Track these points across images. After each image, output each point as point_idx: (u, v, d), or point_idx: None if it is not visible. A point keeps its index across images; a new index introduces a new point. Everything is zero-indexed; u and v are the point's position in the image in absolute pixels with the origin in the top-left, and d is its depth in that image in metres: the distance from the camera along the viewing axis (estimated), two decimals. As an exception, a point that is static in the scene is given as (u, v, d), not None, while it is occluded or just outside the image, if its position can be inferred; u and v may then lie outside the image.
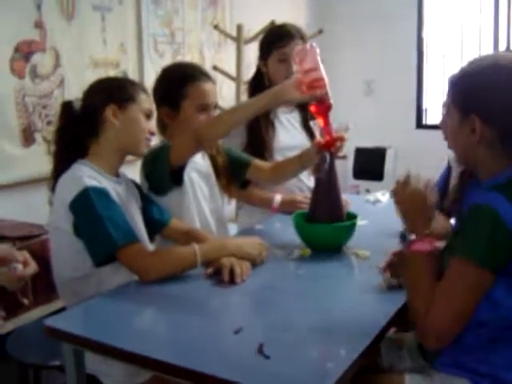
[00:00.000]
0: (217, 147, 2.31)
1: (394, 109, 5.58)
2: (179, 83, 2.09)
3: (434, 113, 6.03)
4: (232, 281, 1.72)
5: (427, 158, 5.48)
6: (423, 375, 1.54)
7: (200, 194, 2.20)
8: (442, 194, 2.34)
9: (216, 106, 2.19)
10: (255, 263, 1.83)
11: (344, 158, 2.20)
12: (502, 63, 1.42)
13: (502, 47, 5.19)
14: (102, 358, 1.57)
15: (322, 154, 2.02)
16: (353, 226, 2.02)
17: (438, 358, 1.51)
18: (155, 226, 2.05)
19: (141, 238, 1.89)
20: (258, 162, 2.39)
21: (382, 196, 2.82)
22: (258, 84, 2.53)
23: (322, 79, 1.85)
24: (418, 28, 5.50)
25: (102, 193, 1.73)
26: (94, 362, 1.66)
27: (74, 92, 2.84)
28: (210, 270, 1.77)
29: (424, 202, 1.50)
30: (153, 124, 1.95)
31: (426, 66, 5.60)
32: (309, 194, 2.68)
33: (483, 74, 1.43)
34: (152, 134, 1.90)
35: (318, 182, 2.04)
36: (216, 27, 4.12)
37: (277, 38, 2.49)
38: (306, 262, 1.95)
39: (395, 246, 1.89)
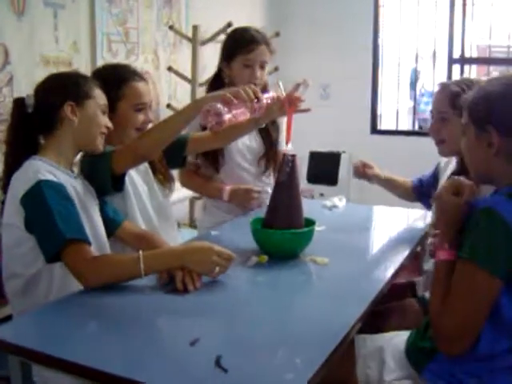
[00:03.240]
0: None
1: (349, 114, 5.60)
2: (114, 85, 2.05)
3: (389, 118, 6.10)
4: (186, 289, 1.66)
5: (381, 163, 5.50)
6: None
7: (142, 193, 2.18)
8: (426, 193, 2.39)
9: (150, 106, 2.17)
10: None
11: (308, 110, 2.18)
12: None
13: (456, 55, 5.26)
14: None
15: (285, 156, 1.98)
16: (311, 233, 1.99)
17: (427, 365, 1.51)
18: (110, 225, 2.01)
19: (98, 235, 1.88)
20: (195, 133, 2.36)
21: (339, 201, 2.80)
22: (218, 85, 2.50)
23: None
24: (373, 33, 5.53)
25: (55, 187, 1.70)
26: (41, 370, 1.61)
27: (24, 90, 2.73)
28: (163, 278, 1.71)
29: (461, 216, 1.50)
30: (107, 119, 1.91)
31: (381, 71, 5.64)
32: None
33: (498, 89, 1.47)
34: (108, 128, 1.89)
35: (278, 184, 2.00)
36: (171, 27, 4.05)
37: (242, 43, 2.47)
38: (263, 269, 1.90)
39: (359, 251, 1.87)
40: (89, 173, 1.97)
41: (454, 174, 2.12)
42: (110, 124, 1.90)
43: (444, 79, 5.36)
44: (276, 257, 1.96)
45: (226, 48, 2.55)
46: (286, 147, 2.00)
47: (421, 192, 2.52)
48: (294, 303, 1.67)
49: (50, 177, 1.71)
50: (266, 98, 2.02)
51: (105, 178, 1.92)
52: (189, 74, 4.07)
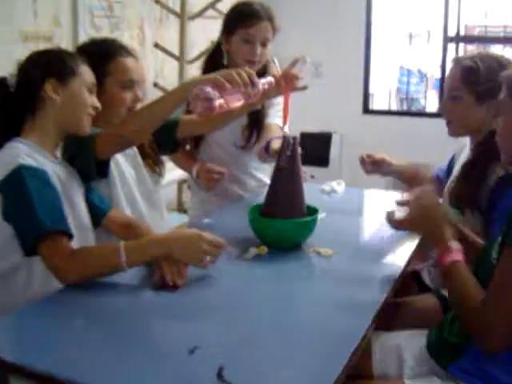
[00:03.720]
0: None
1: (341, 93, 5.43)
2: (99, 61, 1.88)
3: (381, 98, 5.96)
4: (175, 285, 1.53)
5: (373, 144, 5.39)
6: (428, 380, 1.45)
7: (129, 178, 2.03)
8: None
9: (140, 84, 1.99)
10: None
11: (305, 88, 2.04)
12: None
13: (452, 33, 5.10)
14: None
15: (285, 138, 1.83)
16: (314, 222, 1.84)
17: (455, 361, 1.41)
18: (96, 214, 1.86)
19: (83, 225, 1.76)
20: (186, 116, 2.20)
21: (338, 186, 2.65)
22: (216, 61, 2.35)
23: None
24: (366, 12, 5.35)
25: (37, 173, 1.58)
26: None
27: (2, 68, 2.54)
28: (155, 279, 1.56)
29: (435, 212, 1.51)
30: (95, 99, 1.75)
31: (373, 50, 5.47)
32: (252, 186, 2.56)
33: None
34: (96, 108, 1.73)
35: (277, 170, 1.85)
36: (158, 1, 3.86)
37: (244, 17, 2.30)
38: (263, 261, 1.75)
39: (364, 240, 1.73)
40: (71, 156, 1.81)
41: (468, 163, 1.98)
42: (97, 104, 1.73)
43: (438, 59, 5.22)
44: (276, 248, 1.82)
45: (226, 20, 2.38)
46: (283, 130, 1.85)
47: (439, 188, 2.35)
48: (299, 302, 1.53)
49: (31, 161, 1.58)
50: (263, 83, 1.84)
51: (88, 162, 1.77)
52: (176, 51, 3.90)
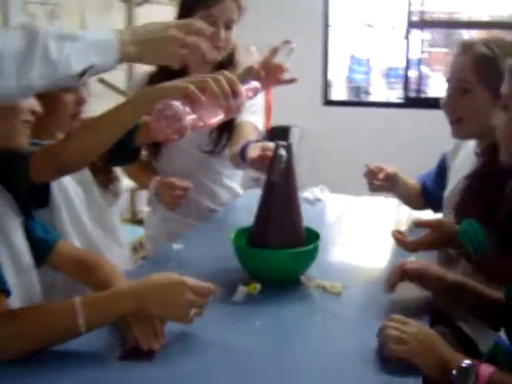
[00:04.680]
0: None
1: (299, 84, 5.09)
2: None
3: (340, 88, 5.67)
4: (150, 350, 1.16)
5: (335, 137, 5.11)
6: None
7: (75, 200, 1.63)
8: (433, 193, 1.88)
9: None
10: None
11: (294, 81, 1.77)
12: None
13: (415, 17, 4.83)
14: None
15: (278, 147, 1.47)
16: (316, 250, 1.49)
17: None
18: (40, 249, 1.44)
19: (21, 266, 1.35)
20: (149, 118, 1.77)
21: (321, 193, 2.31)
22: None
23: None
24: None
25: None
26: None
27: None
28: (124, 344, 1.18)
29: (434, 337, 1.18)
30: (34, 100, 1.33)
31: (331, 38, 5.15)
32: (224, 198, 2.19)
33: None
34: (35, 113, 1.31)
35: (268, 186, 1.48)
36: (100, -14, 3.43)
37: None
38: (257, 305, 1.39)
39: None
40: (2, 177, 1.40)
41: (477, 174, 1.65)
42: (37, 107, 1.32)
43: (402, 45, 4.95)
44: (270, 283, 1.46)
45: (184, 3, 1.99)
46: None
47: (428, 196, 2.02)
48: (311, 361, 1.17)
49: None
50: (246, 89, 1.41)
51: (22, 188, 1.37)
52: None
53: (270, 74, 1.66)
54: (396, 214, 2.18)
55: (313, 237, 1.51)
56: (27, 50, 1.05)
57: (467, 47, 1.65)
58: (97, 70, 1.18)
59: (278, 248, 1.44)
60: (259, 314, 1.35)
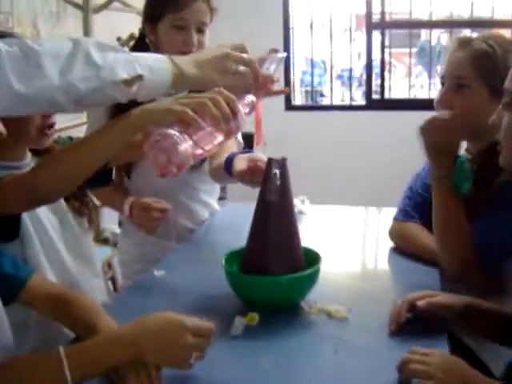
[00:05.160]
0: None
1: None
2: None
3: (302, 93, 5.59)
4: None
5: (297, 142, 5.00)
6: None
7: (49, 229, 1.47)
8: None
9: None
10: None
11: (285, 92, 1.83)
12: None
13: (376, 18, 4.76)
14: None
15: (271, 163, 1.34)
16: (318, 273, 1.37)
17: None
18: (10, 286, 1.26)
19: None
20: None
21: (303, 204, 2.20)
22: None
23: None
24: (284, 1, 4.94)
25: None
26: None
27: None
28: None
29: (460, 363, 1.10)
30: None
31: (292, 40, 5.05)
32: (202, 216, 2.05)
33: None
34: None
35: (262, 206, 1.35)
36: (53, -8, 3.24)
37: None
38: (259, 337, 1.26)
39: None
40: None
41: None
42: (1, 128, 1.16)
43: (363, 47, 4.89)
44: (268, 310, 1.33)
45: (149, 5, 1.84)
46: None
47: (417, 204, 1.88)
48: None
49: None
50: (243, 105, 1.25)
51: None
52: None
53: (258, 85, 1.54)
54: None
55: (310, 257, 1.39)
56: (70, 54, 1.01)
57: (465, 43, 1.56)
58: (148, 87, 1.08)
59: (278, 273, 1.31)
60: (264, 348, 1.22)
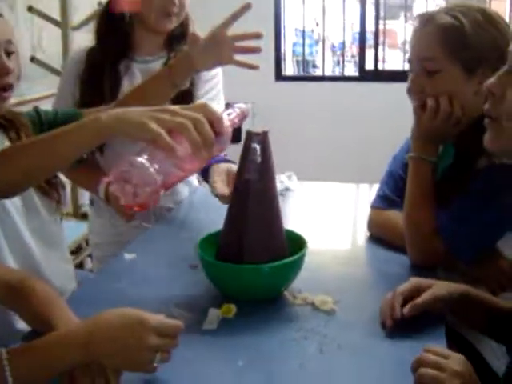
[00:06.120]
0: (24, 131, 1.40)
1: (251, 58, 4.81)
2: None
3: (292, 63, 5.43)
4: None
5: (288, 113, 4.85)
6: None
7: (12, 212, 1.34)
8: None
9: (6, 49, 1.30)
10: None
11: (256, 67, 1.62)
12: None
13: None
14: None
15: (250, 137, 1.20)
16: (302, 260, 1.23)
17: None
18: None
19: None
20: (91, 111, 1.50)
21: (289, 181, 2.06)
22: (114, 24, 1.70)
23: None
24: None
25: None
26: None
27: None
28: None
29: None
30: None
31: (283, 11, 4.87)
32: (184, 195, 1.91)
33: None
34: None
35: (241, 186, 1.21)
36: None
37: None
38: (235, 332, 1.12)
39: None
40: None
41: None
42: None
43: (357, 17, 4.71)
44: (247, 301, 1.20)
45: None
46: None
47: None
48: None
49: None
50: (231, 119, 1.08)
51: None
52: (57, 16, 3.11)
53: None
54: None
55: (295, 241, 1.25)
56: None
57: (428, 20, 1.39)
58: None
59: (258, 261, 1.17)
60: (240, 345, 1.08)
